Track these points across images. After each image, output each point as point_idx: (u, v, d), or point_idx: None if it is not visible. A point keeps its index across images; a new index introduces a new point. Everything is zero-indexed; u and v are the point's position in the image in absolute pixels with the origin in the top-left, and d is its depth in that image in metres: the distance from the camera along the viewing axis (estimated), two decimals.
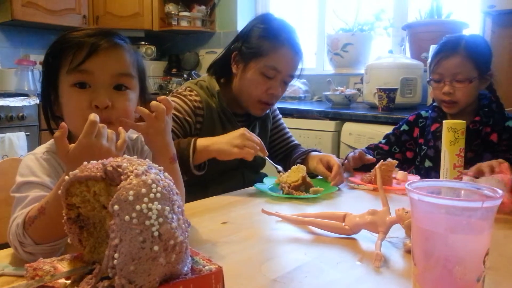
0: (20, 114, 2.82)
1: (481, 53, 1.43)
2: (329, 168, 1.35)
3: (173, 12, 3.64)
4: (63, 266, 0.60)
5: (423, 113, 1.59)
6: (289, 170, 1.27)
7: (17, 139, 2.74)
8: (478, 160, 1.36)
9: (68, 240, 0.62)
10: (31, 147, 2.81)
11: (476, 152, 1.41)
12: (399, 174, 1.36)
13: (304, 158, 1.46)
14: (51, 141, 0.90)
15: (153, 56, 3.92)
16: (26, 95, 2.93)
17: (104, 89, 0.83)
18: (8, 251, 0.78)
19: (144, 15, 3.62)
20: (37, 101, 2.90)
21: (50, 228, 0.71)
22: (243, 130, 1.23)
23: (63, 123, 0.69)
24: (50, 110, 0.88)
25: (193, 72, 3.67)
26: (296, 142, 1.63)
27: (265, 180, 1.32)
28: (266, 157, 1.29)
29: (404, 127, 1.60)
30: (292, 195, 1.18)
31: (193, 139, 1.24)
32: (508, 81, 2.26)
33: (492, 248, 0.52)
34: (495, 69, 2.23)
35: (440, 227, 0.51)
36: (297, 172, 1.24)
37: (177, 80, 3.66)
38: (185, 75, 3.68)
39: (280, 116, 1.64)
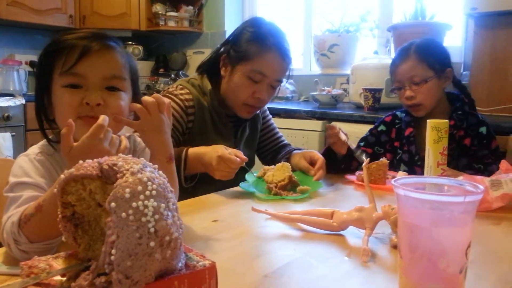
0: (6, 115, 2.79)
1: (433, 53, 1.48)
2: (311, 163, 1.37)
3: (160, 12, 3.63)
4: (58, 264, 0.61)
5: (398, 113, 1.61)
6: (273, 168, 1.28)
7: (3, 139, 2.72)
8: (455, 164, 1.39)
9: (63, 238, 0.63)
10: (16, 147, 2.78)
11: (452, 156, 1.44)
12: (400, 173, 1.37)
13: (288, 158, 1.48)
14: (43, 142, 0.91)
15: (140, 56, 3.91)
16: (11, 95, 2.90)
17: (96, 89, 0.84)
18: (1, 251, 0.79)
19: (131, 15, 3.61)
20: (23, 101, 2.88)
21: (46, 226, 0.71)
22: (220, 151, 1.18)
23: (70, 120, 0.70)
24: (43, 113, 0.89)
25: (180, 72, 3.67)
26: (285, 142, 1.64)
27: (247, 176, 1.31)
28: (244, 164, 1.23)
29: (382, 127, 1.62)
30: (280, 196, 1.19)
31: (184, 150, 1.24)
32: (490, 81, 2.32)
33: (474, 243, 0.55)
34: (477, 69, 2.29)
35: (425, 221, 0.53)
36: (281, 170, 1.26)
37: (164, 80, 3.65)
38: (172, 75, 3.68)
39: (270, 116, 1.65)
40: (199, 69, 1.48)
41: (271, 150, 1.62)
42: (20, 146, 2.83)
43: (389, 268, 0.74)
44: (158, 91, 3.41)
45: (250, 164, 1.54)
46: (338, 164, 1.47)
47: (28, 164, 0.83)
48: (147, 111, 0.82)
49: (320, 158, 1.36)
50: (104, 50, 0.85)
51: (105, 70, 0.85)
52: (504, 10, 2.15)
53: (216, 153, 1.18)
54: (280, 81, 1.42)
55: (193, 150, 1.25)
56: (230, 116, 1.46)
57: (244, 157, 1.19)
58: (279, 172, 1.26)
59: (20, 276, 0.59)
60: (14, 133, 2.81)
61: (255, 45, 1.34)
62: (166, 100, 0.85)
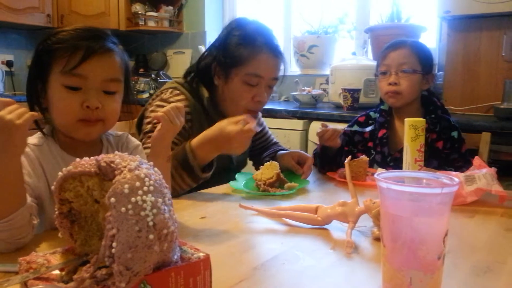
0: None
1: (424, 52, 1.55)
2: (299, 163, 1.41)
3: (140, 12, 3.61)
4: (56, 259, 0.63)
5: (372, 113, 1.64)
6: (262, 167, 1.32)
7: None
8: (426, 166, 1.44)
9: (59, 235, 0.65)
10: None
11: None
12: (379, 170, 1.40)
13: (273, 156, 1.51)
14: (37, 134, 0.93)
15: None
16: None
17: (94, 92, 0.88)
18: None
19: (110, 14, 3.58)
20: None
21: None
22: (233, 129, 1.12)
23: None
24: (36, 101, 0.91)
25: (161, 72, 3.66)
26: (274, 140, 1.66)
27: (237, 176, 1.34)
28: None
29: (356, 127, 1.64)
30: (268, 192, 1.22)
31: (186, 144, 1.18)
32: (462, 81, 2.41)
33: (450, 234, 0.59)
34: (450, 70, 2.36)
35: (405, 212, 0.57)
36: (270, 169, 1.29)
37: (145, 80, 3.64)
38: (153, 75, 3.67)
39: (261, 114, 1.65)
40: (186, 77, 1.43)
41: (263, 148, 1.64)
42: None
43: (372, 259, 0.78)
44: (139, 91, 3.41)
45: (242, 165, 1.57)
46: (334, 159, 1.49)
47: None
48: (170, 118, 0.89)
49: (309, 158, 1.39)
50: (106, 53, 0.90)
51: (105, 73, 0.89)
52: (476, 13, 2.24)
53: (228, 135, 1.12)
54: (277, 79, 1.38)
55: (197, 139, 1.18)
56: (225, 117, 1.45)
57: (251, 118, 1.16)
58: (267, 170, 1.29)
59: (19, 272, 0.60)
60: None
61: (246, 48, 1.31)
62: (180, 105, 0.92)
